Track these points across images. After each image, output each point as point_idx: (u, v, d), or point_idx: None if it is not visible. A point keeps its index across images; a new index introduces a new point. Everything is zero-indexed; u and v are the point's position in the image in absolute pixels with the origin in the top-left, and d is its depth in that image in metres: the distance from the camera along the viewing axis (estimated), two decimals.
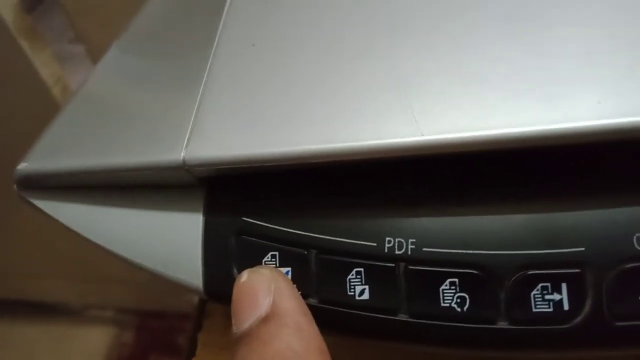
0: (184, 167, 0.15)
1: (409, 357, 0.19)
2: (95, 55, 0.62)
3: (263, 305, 0.13)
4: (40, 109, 0.68)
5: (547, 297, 0.13)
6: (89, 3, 0.58)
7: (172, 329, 1.00)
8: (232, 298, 0.14)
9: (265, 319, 0.13)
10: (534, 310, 0.13)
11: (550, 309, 0.13)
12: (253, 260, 0.15)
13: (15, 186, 0.18)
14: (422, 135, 0.13)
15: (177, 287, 0.16)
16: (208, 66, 0.17)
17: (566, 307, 0.13)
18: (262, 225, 0.15)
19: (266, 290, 0.13)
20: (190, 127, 0.16)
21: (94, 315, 1.04)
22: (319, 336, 0.13)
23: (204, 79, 0.16)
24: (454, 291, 0.14)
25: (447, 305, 0.14)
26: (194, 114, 0.16)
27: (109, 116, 0.18)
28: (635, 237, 0.13)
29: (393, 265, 0.14)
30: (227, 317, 0.21)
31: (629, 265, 0.13)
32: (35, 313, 1.04)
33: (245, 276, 0.14)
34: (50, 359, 0.99)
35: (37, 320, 1.04)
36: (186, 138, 0.15)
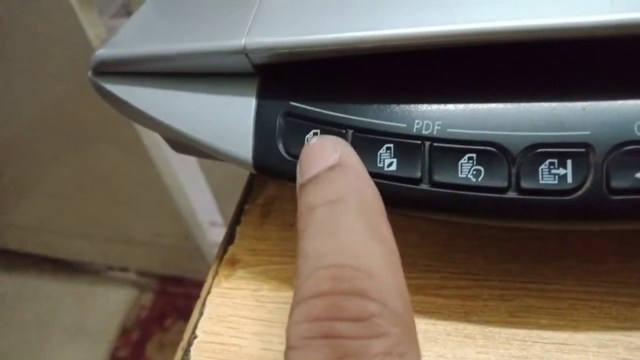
0: (243, 52, 0.17)
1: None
2: None
3: (330, 158, 0.15)
4: (84, 68, 0.72)
5: (553, 171, 0.15)
6: None
7: (189, 296, 1.04)
8: (300, 156, 0.16)
9: (332, 167, 0.15)
10: (541, 182, 0.15)
11: (556, 182, 0.15)
12: (298, 138, 0.18)
13: (90, 73, 0.20)
14: (456, 23, 0.15)
15: (229, 161, 0.19)
16: None
17: (570, 180, 0.15)
18: (306, 108, 0.18)
19: (333, 148, 0.15)
20: (251, 19, 0.18)
21: (116, 276, 1.08)
22: (375, 186, 0.15)
23: None
24: (471, 164, 0.16)
25: (464, 176, 0.16)
26: (255, 7, 0.18)
27: (178, 13, 0.20)
28: (636, 125, 0.15)
29: (419, 142, 0.16)
30: (262, 216, 0.23)
31: (628, 148, 0.15)
32: (61, 270, 1.09)
33: (314, 139, 0.16)
34: (71, 314, 1.04)
35: (62, 276, 1.09)
36: (247, 28, 0.18)
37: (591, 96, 0.15)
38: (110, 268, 1.09)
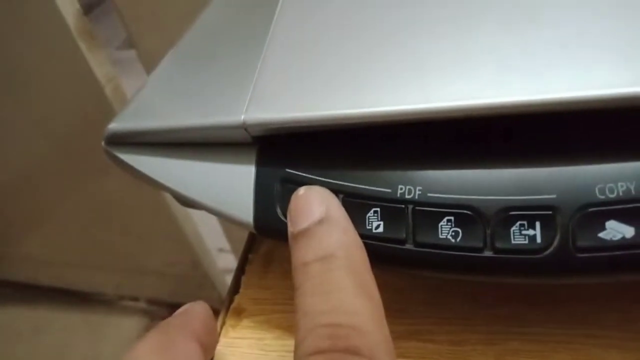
0: (243, 127, 0.19)
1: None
2: (145, 59, 0.67)
3: (318, 211, 0.17)
4: (93, 106, 0.74)
5: (524, 232, 0.17)
6: (144, 10, 0.63)
7: None
8: (290, 206, 0.18)
9: (320, 222, 0.17)
10: (513, 242, 0.17)
11: (526, 242, 0.17)
12: None
13: (103, 143, 0.22)
14: (431, 103, 0.17)
15: (232, 222, 0.20)
16: (264, 48, 0.21)
17: (539, 240, 0.17)
18: (301, 175, 0.19)
19: (320, 201, 0.17)
20: (249, 96, 0.20)
21: (127, 305, 1.09)
22: (359, 238, 0.17)
23: (261, 57, 0.21)
24: (450, 226, 0.17)
25: (444, 237, 0.17)
26: (252, 85, 0.20)
27: (182, 87, 0.22)
28: (597, 188, 0.17)
29: (403, 206, 0.18)
30: (265, 265, 0.25)
31: (591, 210, 0.16)
32: (73, 301, 1.11)
33: (302, 190, 0.18)
34: (84, 345, 1.05)
35: (74, 307, 1.11)
36: (246, 104, 0.20)
37: (555, 162, 0.17)
38: (122, 298, 1.10)
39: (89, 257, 1.02)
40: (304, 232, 0.17)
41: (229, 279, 0.25)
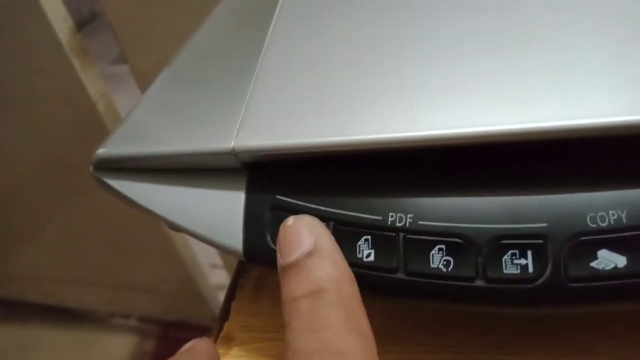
0: (233, 153, 0.19)
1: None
2: (138, 75, 0.67)
3: (307, 243, 0.17)
4: (85, 122, 0.74)
5: (515, 261, 0.17)
6: (136, 27, 0.63)
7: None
8: (279, 237, 0.17)
9: (310, 254, 0.16)
10: (505, 272, 0.17)
11: (518, 271, 0.17)
12: None
13: (92, 168, 0.22)
14: (419, 131, 0.17)
15: (222, 250, 0.20)
16: (255, 74, 0.21)
17: (531, 270, 0.17)
18: (291, 202, 0.19)
19: (309, 232, 0.17)
20: (239, 122, 0.20)
21: (118, 323, 1.08)
22: (350, 269, 0.17)
23: (252, 83, 0.21)
24: (441, 255, 0.17)
25: (436, 266, 0.17)
26: (242, 112, 0.20)
27: (172, 112, 0.22)
28: (588, 217, 0.16)
29: (394, 234, 0.18)
30: (255, 290, 0.25)
31: (582, 239, 0.16)
32: (64, 318, 1.09)
33: (291, 220, 0.18)
34: None
35: (65, 325, 1.09)
36: (235, 131, 0.19)
37: (546, 191, 0.17)
38: (112, 315, 1.09)
39: (80, 274, 1.01)
40: (293, 265, 0.17)
41: (221, 295, 0.24)
